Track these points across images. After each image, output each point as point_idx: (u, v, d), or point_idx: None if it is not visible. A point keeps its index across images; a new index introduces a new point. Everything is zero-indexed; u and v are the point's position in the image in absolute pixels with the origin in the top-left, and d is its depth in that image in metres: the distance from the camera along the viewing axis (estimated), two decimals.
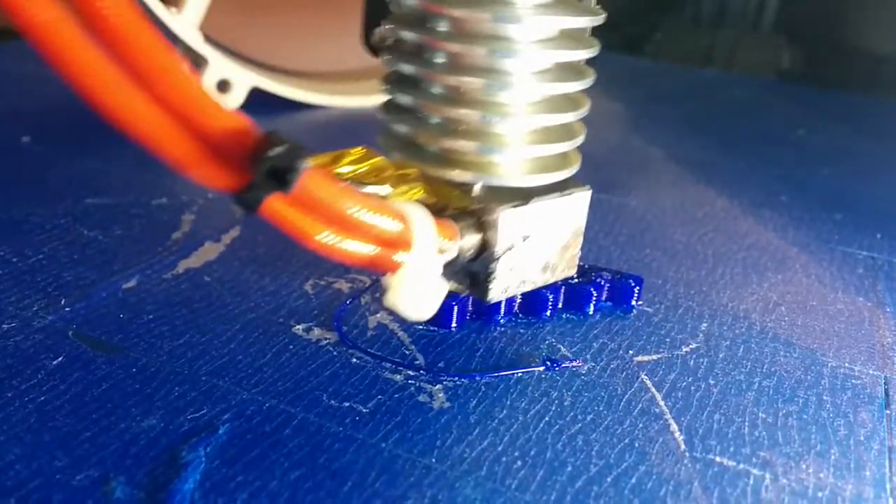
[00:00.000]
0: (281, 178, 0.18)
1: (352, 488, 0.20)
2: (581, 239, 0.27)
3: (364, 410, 0.23)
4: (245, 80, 0.53)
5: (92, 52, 0.17)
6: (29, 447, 0.21)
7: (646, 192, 0.45)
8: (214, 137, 0.19)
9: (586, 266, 0.31)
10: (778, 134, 0.62)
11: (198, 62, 0.53)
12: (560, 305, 0.30)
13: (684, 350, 0.28)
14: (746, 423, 0.24)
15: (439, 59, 0.24)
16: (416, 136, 0.25)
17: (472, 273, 0.25)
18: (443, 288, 0.24)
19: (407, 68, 0.25)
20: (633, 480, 0.21)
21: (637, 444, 0.23)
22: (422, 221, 0.23)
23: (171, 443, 0.21)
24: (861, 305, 0.33)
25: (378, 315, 0.29)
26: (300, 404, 0.23)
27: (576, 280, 0.30)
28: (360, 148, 0.25)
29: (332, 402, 0.24)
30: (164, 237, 0.33)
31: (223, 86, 0.53)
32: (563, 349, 0.27)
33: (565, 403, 0.25)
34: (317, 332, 0.27)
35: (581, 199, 0.26)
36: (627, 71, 0.80)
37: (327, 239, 0.21)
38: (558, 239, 0.27)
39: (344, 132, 0.52)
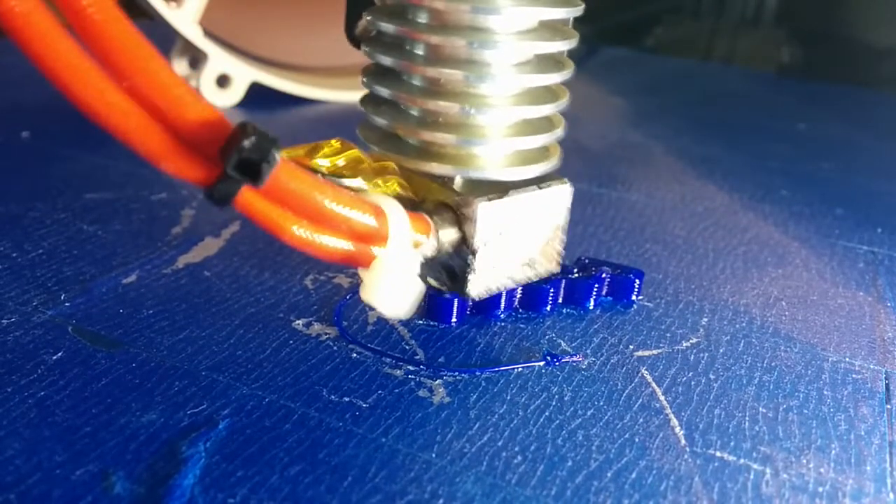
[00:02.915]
0: (252, 170, 0.18)
1: (352, 483, 0.20)
2: (563, 234, 0.27)
3: (364, 405, 0.23)
4: (245, 74, 0.53)
5: (64, 41, 0.17)
6: (29, 442, 0.20)
7: (646, 186, 0.44)
8: (186, 129, 0.18)
9: (586, 261, 0.31)
10: (778, 128, 0.62)
11: (197, 57, 0.53)
12: (560, 300, 0.30)
13: (684, 345, 0.28)
14: (747, 418, 0.24)
15: (419, 51, 0.24)
16: (396, 129, 0.25)
17: (450, 269, 0.25)
18: (417, 284, 0.24)
19: (387, 60, 0.25)
20: (634, 475, 0.21)
21: (637, 439, 0.23)
22: (396, 215, 0.23)
23: (171, 438, 0.21)
24: (862, 300, 0.33)
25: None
26: (300, 399, 0.23)
27: (576, 275, 0.30)
28: (336, 140, 0.24)
29: (333, 396, 0.24)
30: (163, 232, 0.33)
31: (223, 81, 0.53)
32: (563, 344, 0.27)
33: (565, 398, 0.25)
34: (317, 327, 0.27)
35: (561, 193, 0.26)
36: (627, 65, 0.79)
37: (301, 233, 0.21)
38: (538, 233, 0.26)
39: (344, 127, 0.52)
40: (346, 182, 0.23)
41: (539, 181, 0.26)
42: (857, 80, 0.81)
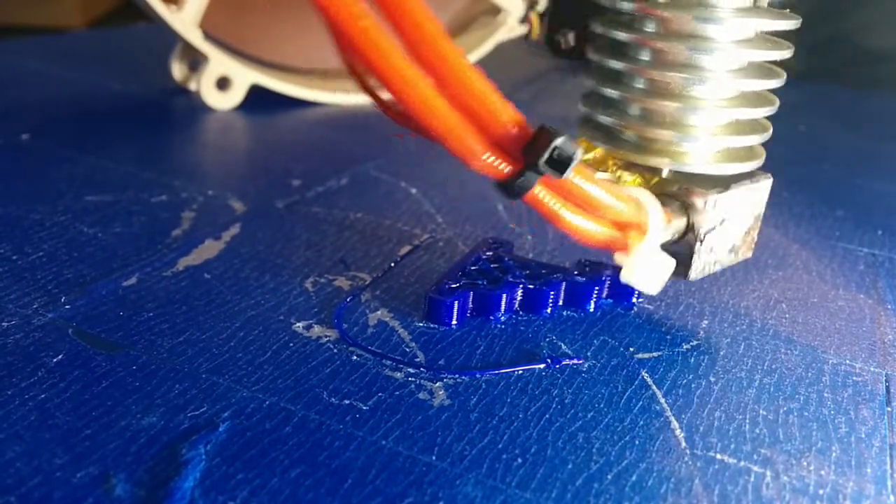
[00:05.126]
0: (561, 165, 0.21)
1: (352, 486, 0.20)
2: (760, 223, 0.29)
3: (364, 408, 0.23)
4: (245, 77, 0.53)
5: (399, 55, 0.20)
6: (29, 445, 0.20)
7: None
8: (498, 131, 0.21)
9: (587, 263, 0.31)
10: (778, 130, 0.62)
11: (198, 59, 0.53)
12: (560, 303, 0.30)
13: (685, 347, 0.28)
14: (747, 421, 0.24)
15: (644, 56, 0.26)
16: (619, 126, 0.27)
17: (673, 253, 0.27)
18: (670, 263, 0.26)
19: (614, 64, 0.27)
20: (634, 478, 0.21)
21: (638, 442, 0.23)
22: (654, 206, 0.26)
23: (172, 440, 0.21)
24: (862, 302, 0.33)
25: (378, 312, 0.29)
26: (300, 402, 0.23)
27: (576, 276, 0.30)
28: (582, 139, 0.27)
29: (333, 399, 0.24)
30: (164, 234, 0.33)
31: (223, 83, 0.53)
32: (563, 346, 0.27)
33: (566, 401, 0.25)
34: (317, 329, 0.27)
35: (764, 187, 0.29)
36: None
37: (575, 220, 0.24)
38: (744, 222, 0.29)
39: (344, 129, 0.52)
40: (603, 176, 0.26)
41: (747, 175, 0.28)
42: (858, 83, 0.81)
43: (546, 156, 0.21)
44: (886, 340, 0.30)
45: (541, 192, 0.23)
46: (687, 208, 0.27)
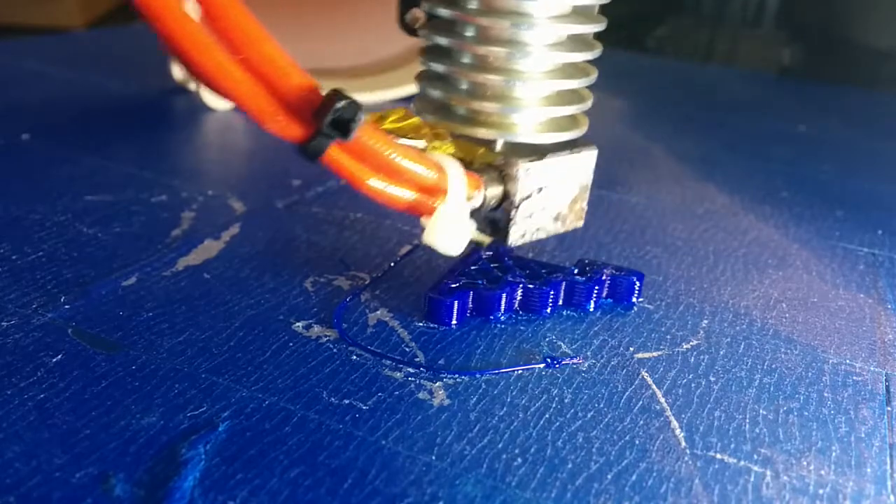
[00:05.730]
0: (343, 127, 0.22)
1: (352, 485, 0.20)
2: (588, 194, 0.30)
3: (364, 408, 0.23)
4: None
5: (191, 22, 0.21)
6: (28, 445, 0.20)
7: (646, 188, 0.44)
8: (288, 94, 0.22)
9: (587, 263, 0.31)
10: (779, 130, 0.62)
11: None
12: (560, 302, 0.30)
13: (685, 347, 0.28)
14: (747, 420, 0.24)
15: (469, 32, 0.27)
16: (448, 100, 0.28)
17: (493, 220, 0.29)
18: (471, 228, 0.28)
19: (441, 40, 0.28)
20: (634, 477, 0.21)
21: (637, 441, 0.23)
22: (456, 172, 0.26)
23: (171, 440, 0.21)
24: (862, 302, 0.33)
25: (378, 312, 0.29)
26: (300, 402, 0.23)
27: (576, 276, 0.30)
28: (400, 108, 0.28)
29: (332, 399, 0.24)
30: (163, 234, 0.33)
31: None
32: (563, 346, 0.27)
33: (566, 400, 0.25)
34: (317, 329, 0.27)
35: (588, 157, 0.30)
36: (628, 67, 0.80)
37: (376, 184, 0.25)
38: (568, 192, 0.30)
39: None
40: (410, 143, 0.27)
41: (570, 146, 0.29)
42: (857, 82, 0.81)
43: (329, 118, 0.21)
44: (886, 340, 0.30)
45: (340, 156, 0.24)
46: (504, 177, 0.28)
